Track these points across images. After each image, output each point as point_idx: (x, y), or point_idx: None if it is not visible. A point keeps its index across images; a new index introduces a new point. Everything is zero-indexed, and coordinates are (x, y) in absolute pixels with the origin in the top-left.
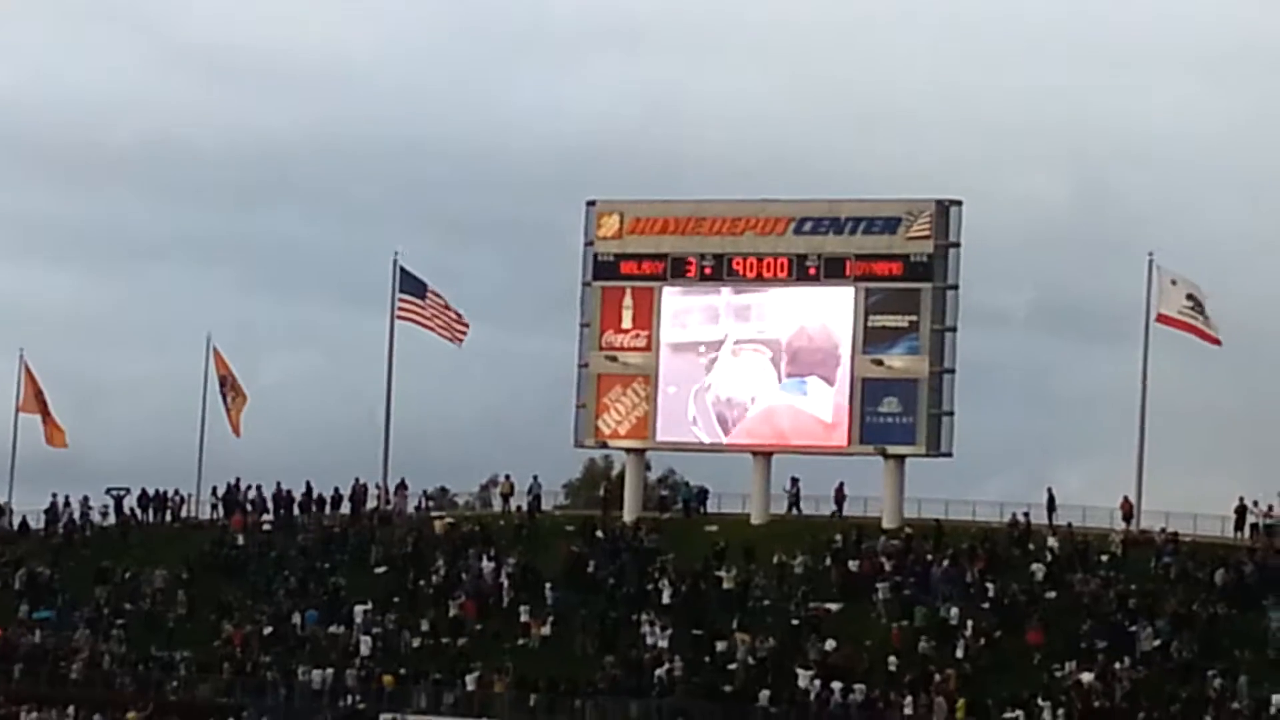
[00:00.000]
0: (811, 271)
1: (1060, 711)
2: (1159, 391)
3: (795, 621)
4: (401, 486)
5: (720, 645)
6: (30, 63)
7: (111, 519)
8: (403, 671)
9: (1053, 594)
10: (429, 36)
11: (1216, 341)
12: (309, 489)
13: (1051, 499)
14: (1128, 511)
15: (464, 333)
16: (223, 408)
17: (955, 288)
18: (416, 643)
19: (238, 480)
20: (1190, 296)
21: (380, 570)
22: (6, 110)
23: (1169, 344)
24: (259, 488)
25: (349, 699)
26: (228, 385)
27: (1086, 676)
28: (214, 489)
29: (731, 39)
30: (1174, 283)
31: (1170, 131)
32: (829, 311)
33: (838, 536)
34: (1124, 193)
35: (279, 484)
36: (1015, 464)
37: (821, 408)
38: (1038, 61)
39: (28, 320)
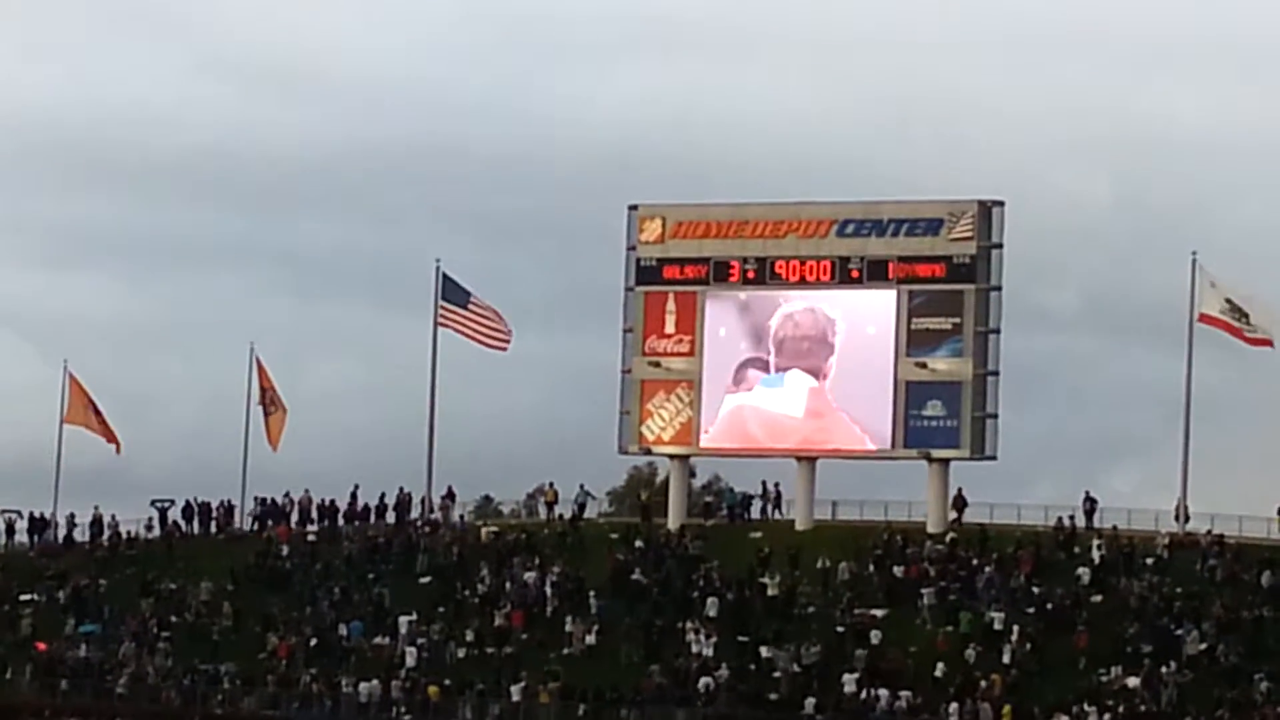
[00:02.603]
0: (854, 274)
1: (1106, 716)
2: (1204, 392)
3: (840, 628)
4: (449, 496)
5: (765, 653)
6: (73, 72)
7: (156, 531)
8: (448, 682)
9: (1098, 598)
10: (466, 41)
11: (1267, 343)
12: (353, 499)
13: (1091, 504)
14: (1181, 513)
15: (507, 340)
16: (262, 420)
17: (998, 289)
18: (462, 653)
19: (288, 494)
20: (1229, 300)
21: (425, 580)
22: (50, 120)
23: (1214, 344)
24: (308, 493)
25: (394, 711)
26: (267, 398)
27: (1132, 681)
28: (255, 499)
29: (768, 41)
30: (1213, 285)
31: (1210, 129)
32: (852, 312)
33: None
34: (1165, 191)
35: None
36: (1060, 466)
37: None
38: (1077, 60)
39: (70, 330)
